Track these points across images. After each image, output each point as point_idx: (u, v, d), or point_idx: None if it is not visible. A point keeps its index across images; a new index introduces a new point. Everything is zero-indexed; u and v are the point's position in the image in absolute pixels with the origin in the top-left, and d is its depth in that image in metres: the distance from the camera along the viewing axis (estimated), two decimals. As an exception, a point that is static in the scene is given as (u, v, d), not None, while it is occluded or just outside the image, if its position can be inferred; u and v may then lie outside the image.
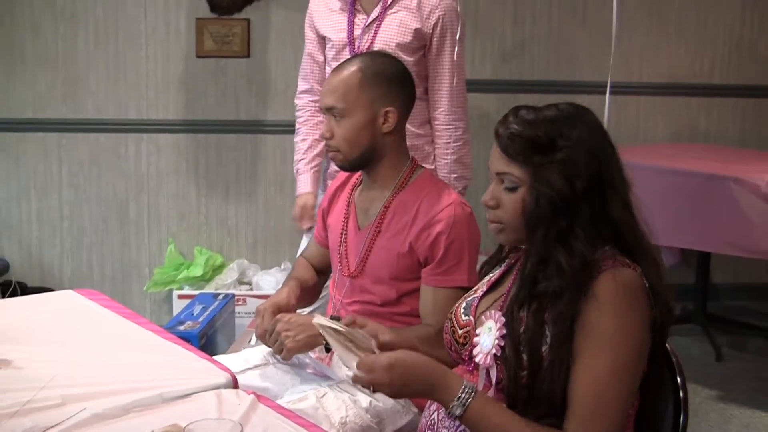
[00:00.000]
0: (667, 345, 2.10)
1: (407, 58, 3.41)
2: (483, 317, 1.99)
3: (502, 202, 1.99)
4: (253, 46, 5.17)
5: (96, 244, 5.30)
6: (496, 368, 1.91)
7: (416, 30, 3.42)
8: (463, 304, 2.13)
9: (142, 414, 2.02)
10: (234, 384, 2.23)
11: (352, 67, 2.63)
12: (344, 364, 1.94)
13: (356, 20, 3.45)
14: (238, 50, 5.15)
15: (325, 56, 3.58)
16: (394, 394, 1.98)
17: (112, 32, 5.12)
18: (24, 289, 5.08)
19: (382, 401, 2.51)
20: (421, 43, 3.46)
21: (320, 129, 3.62)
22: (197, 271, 5.02)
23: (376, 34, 3.42)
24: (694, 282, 5.18)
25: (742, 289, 5.72)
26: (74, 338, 2.50)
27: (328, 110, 2.64)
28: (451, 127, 3.50)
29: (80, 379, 2.16)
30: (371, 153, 2.65)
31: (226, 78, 5.20)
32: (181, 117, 5.21)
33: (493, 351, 1.91)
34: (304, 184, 3.64)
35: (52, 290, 5.18)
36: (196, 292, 4.78)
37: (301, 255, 3.11)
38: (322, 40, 3.56)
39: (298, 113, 3.69)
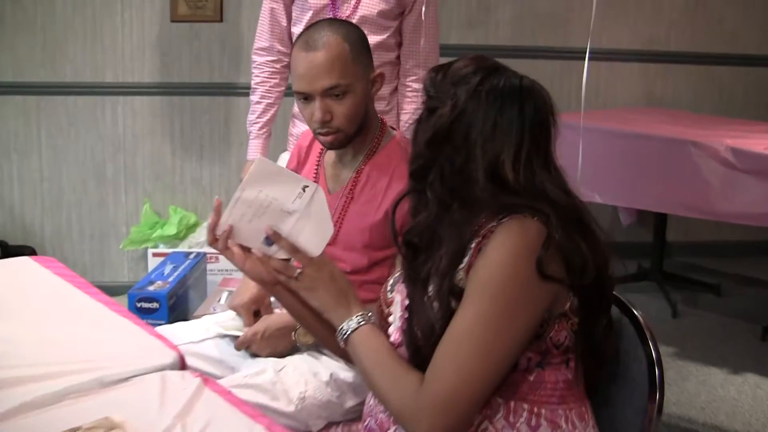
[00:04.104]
0: (629, 305, 1.83)
1: (388, 24, 3.07)
2: (395, 291, 1.70)
3: None
4: (226, 11, 4.80)
5: (75, 203, 4.94)
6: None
7: None
8: (390, 281, 1.80)
9: (76, 401, 1.69)
10: (181, 364, 1.88)
11: (336, 39, 2.19)
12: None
13: None
14: (211, 15, 4.78)
15: (289, 16, 3.17)
16: (306, 289, 1.67)
17: (89, -3, 4.74)
18: (5, 248, 4.74)
19: (343, 373, 2.22)
20: (401, 8, 3.08)
21: (276, 92, 3.25)
22: (171, 230, 4.68)
23: (359, 1, 3.04)
24: (652, 241, 4.93)
25: (695, 247, 5.49)
26: (19, 311, 2.15)
27: (327, 92, 2.19)
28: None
29: (16, 359, 1.83)
30: (362, 123, 2.28)
31: (200, 42, 4.84)
32: (156, 80, 4.85)
33: (399, 324, 1.64)
34: (255, 150, 3.26)
35: (33, 249, 4.87)
36: (171, 251, 4.45)
37: None
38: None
39: (254, 71, 3.29)
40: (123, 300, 3.67)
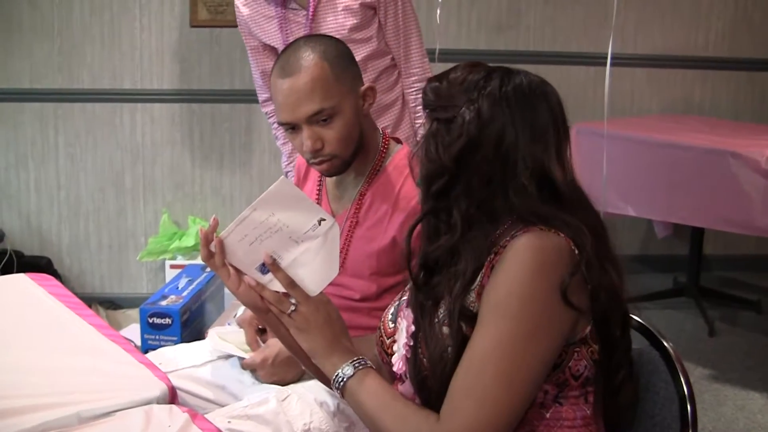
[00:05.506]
0: (658, 336, 1.69)
1: (368, 34, 2.92)
2: (399, 318, 1.56)
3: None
4: (247, 16, 4.67)
5: (93, 212, 4.85)
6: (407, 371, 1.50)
7: (361, 4, 2.89)
8: (391, 310, 1.66)
9: (49, 440, 1.54)
10: (171, 397, 1.74)
11: (313, 60, 2.02)
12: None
13: (296, 19, 2.92)
14: (231, 20, 4.59)
15: (274, 52, 3.07)
16: (299, 329, 1.52)
17: (106, 2, 4.64)
18: (20, 258, 4.63)
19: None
20: (371, 11, 2.92)
21: None
22: (189, 241, 4.56)
23: (321, 25, 2.89)
24: (688, 254, 4.73)
25: (734, 260, 5.30)
26: (1, 335, 2.00)
27: (312, 118, 2.03)
28: (414, 88, 3.01)
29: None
30: (359, 142, 2.12)
31: (220, 48, 4.73)
32: (175, 87, 4.75)
33: (403, 352, 1.49)
34: None
35: (50, 259, 4.78)
36: (188, 263, 4.32)
37: None
38: (267, 45, 3.06)
39: (270, 120, 3.27)
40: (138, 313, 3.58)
